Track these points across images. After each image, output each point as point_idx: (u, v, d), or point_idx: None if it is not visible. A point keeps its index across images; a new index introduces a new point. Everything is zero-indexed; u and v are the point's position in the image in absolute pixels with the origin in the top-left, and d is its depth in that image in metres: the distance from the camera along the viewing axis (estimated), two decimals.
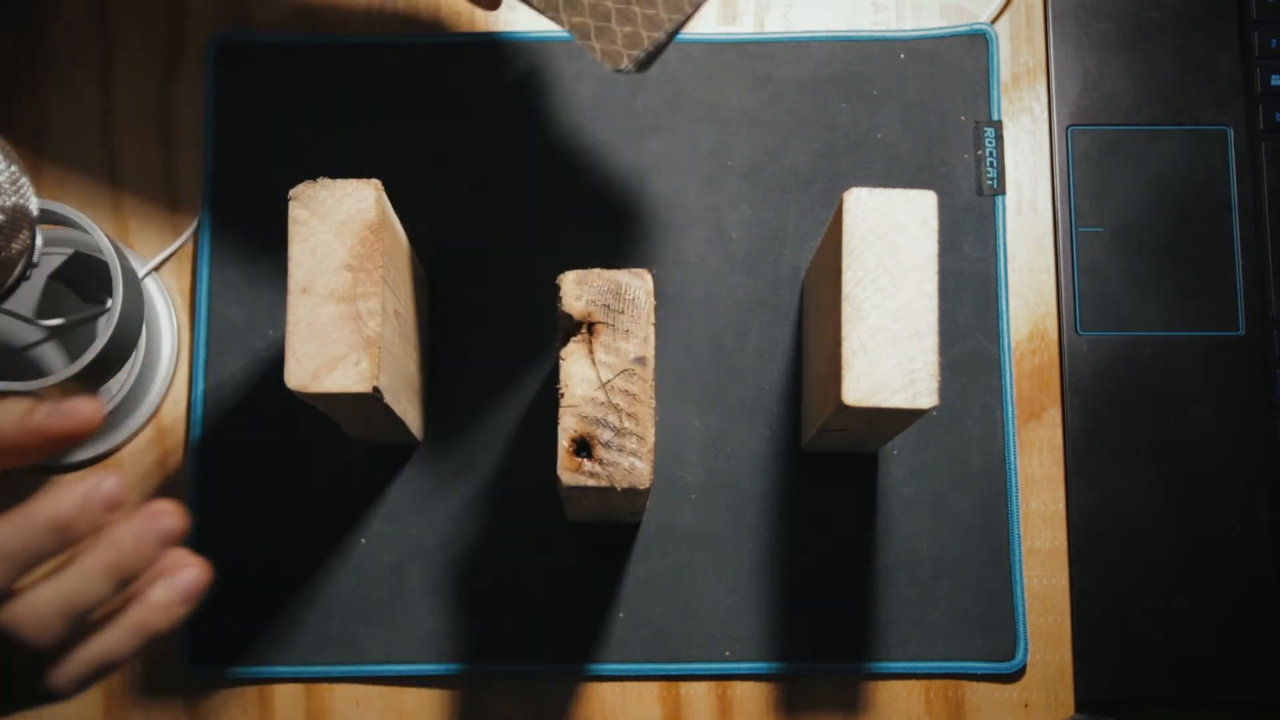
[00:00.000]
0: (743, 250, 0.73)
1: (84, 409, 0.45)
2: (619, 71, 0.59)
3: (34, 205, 0.56)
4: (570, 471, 0.54)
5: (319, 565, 0.70)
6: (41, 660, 0.46)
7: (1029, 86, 0.75)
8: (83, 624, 0.46)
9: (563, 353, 0.55)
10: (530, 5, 0.60)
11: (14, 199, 0.54)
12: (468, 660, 0.69)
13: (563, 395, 0.55)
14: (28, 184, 0.55)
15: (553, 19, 0.60)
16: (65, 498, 0.44)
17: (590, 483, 0.54)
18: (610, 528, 0.70)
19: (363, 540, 0.70)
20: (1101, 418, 0.71)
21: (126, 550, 0.46)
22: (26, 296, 0.68)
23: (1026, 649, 0.70)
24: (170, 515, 0.46)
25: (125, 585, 0.46)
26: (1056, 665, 0.70)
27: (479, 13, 0.75)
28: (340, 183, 0.57)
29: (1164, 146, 0.74)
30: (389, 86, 0.74)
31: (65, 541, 0.45)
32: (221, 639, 0.69)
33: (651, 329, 0.55)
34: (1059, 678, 0.70)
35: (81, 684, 0.47)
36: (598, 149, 0.73)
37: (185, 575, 0.47)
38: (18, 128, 0.74)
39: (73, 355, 0.68)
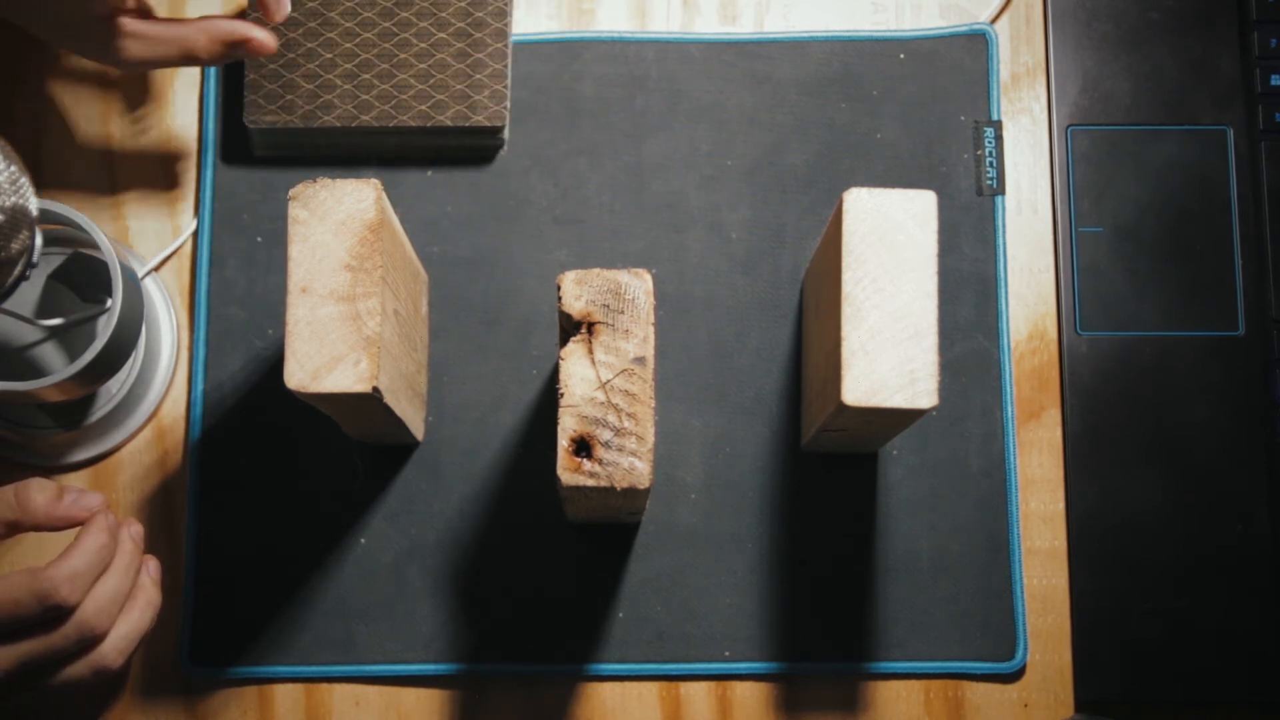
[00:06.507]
0: (743, 250, 0.73)
1: (95, 504, 0.59)
2: (501, 130, 0.72)
3: (34, 205, 0.56)
4: (570, 471, 0.54)
5: (319, 565, 0.70)
6: (100, 643, 0.59)
7: (1029, 86, 0.75)
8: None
9: (562, 353, 0.55)
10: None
11: (14, 199, 0.54)
12: (468, 660, 0.69)
13: (562, 395, 0.55)
14: (28, 184, 0.55)
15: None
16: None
17: (590, 483, 0.54)
18: (610, 528, 0.70)
19: (363, 540, 0.70)
20: (1101, 418, 0.71)
21: (138, 552, 0.62)
22: (26, 296, 0.68)
23: (1026, 649, 0.70)
24: (139, 526, 0.63)
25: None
26: (1056, 665, 0.70)
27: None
28: (340, 183, 0.57)
29: (1164, 146, 0.74)
30: None
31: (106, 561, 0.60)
32: (221, 639, 0.69)
33: (651, 329, 0.55)
34: (1059, 678, 0.70)
35: (126, 655, 0.60)
36: (598, 149, 0.73)
37: (153, 564, 0.64)
38: (18, 128, 0.74)
39: (73, 355, 0.68)
